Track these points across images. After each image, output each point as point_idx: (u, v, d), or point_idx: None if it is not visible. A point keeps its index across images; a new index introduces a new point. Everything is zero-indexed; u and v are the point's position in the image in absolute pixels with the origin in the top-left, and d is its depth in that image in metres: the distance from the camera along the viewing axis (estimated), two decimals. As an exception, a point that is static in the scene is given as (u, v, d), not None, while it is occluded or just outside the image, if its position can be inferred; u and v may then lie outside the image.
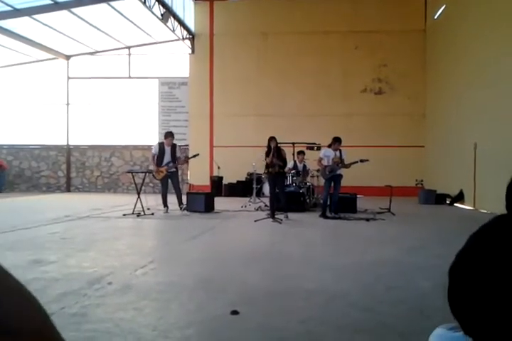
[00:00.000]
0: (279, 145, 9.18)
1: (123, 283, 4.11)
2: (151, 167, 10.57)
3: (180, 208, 9.96)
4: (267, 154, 9.11)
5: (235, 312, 3.26)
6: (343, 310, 3.43)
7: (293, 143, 11.22)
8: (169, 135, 10.20)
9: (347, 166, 9.40)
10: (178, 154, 10.21)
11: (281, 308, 3.47)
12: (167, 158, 10.02)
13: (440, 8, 14.14)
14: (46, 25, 14.36)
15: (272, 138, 9.11)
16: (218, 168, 14.71)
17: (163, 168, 9.98)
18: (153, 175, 10.40)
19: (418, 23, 15.91)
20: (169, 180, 10.15)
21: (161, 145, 10.19)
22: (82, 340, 2.82)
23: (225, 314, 3.24)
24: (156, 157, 10.13)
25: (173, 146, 10.15)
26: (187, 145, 16.03)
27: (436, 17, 14.63)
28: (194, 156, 10.46)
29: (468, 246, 0.63)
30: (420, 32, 15.90)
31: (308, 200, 10.93)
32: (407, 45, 15.83)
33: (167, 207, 10.05)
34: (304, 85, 16.01)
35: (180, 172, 12.24)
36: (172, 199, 10.05)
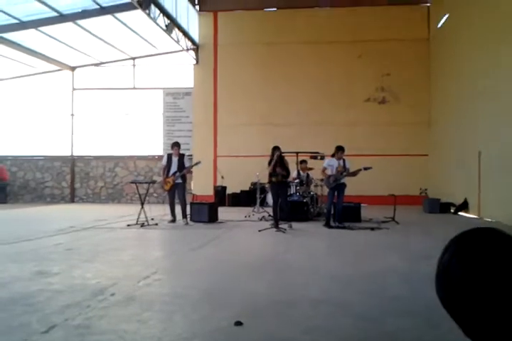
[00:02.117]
0: (282, 154, 9.17)
1: (126, 294, 4.09)
2: (162, 179, 10.48)
3: (184, 221, 9.89)
4: (270, 163, 9.09)
5: (238, 323, 3.24)
6: (348, 320, 3.39)
7: (297, 153, 11.22)
8: (174, 145, 10.24)
9: (355, 174, 9.36)
10: (186, 164, 10.19)
11: (286, 319, 3.44)
12: (174, 168, 10.02)
13: (443, 17, 14.20)
14: (51, 37, 14.53)
15: (275, 148, 9.11)
16: (222, 177, 14.71)
17: (170, 178, 9.98)
18: (161, 187, 10.42)
19: (421, 32, 15.99)
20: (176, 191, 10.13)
21: (169, 155, 10.24)
22: (85, 352, 2.80)
23: (229, 325, 3.22)
24: (165, 168, 10.18)
25: (181, 156, 10.17)
26: (191, 156, 16.05)
27: (439, 26, 14.69)
28: (196, 164, 10.44)
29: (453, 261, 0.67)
30: (424, 41, 15.96)
31: (312, 210, 10.89)
32: (411, 54, 15.89)
33: (174, 217, 10.04)
34: (308, 94, 16.07)
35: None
36: (178, 209, 10.04)
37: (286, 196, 9.63)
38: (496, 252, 0.65)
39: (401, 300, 3.92)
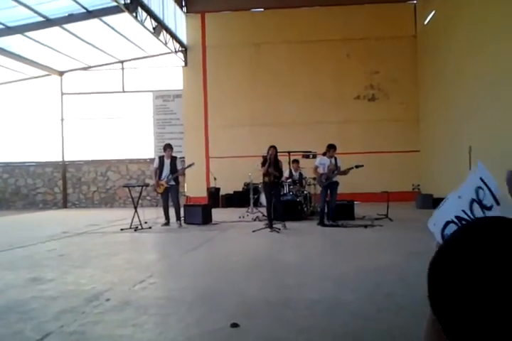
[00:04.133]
0: (277, 154, 9.15)
1: (121, 299, 4.07)
2: (154, 181, 10.42)
3: (178, 224, 9.87)
4: (263, 164, 9.09)
5: (234, 325, 3.24)
6: (344, 318, 3.40)
7: (288, 152, 11.24)
8: (167, 147, 10.18)
9: (345, 172, 9.39)
10: (179, 166, 10.16)
11: (282, 319, 3.44)
12: (166, 170, 9.98)
13: (430, 13, 14.28)
14: (38, 42, 14.44)
15: (270, 147, 9.10)
16: (215, 179, 14.70)
17: (163, 180, 9.94)
18: (154, 190, 10.38)
19: (409, 29, 16.07)
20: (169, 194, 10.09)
21: (160, 158, 10.18)
22: (81, 359, 2.79)
23: (225, 327, 3.22)
24: (157, 171, 10.13)
25: (173, 159, 10.12)
26: (183, 158, 16.01)
27: (426, 23, 14.77)
28: (189, 166, 10.42)
29: (447, 252, 0.65)
30: (411, 38, 16.05)
31: (305, 209, 10.91)
32: (399, 52, 15.96)
33: (168, 220, 10.01)
34: (298, 94, 16.09)
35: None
36: (172, 212, 10.01)
37: (280, 196, 9.64)
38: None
39: (396, 297, 3.94)
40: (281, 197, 9.91)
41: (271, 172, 8.93)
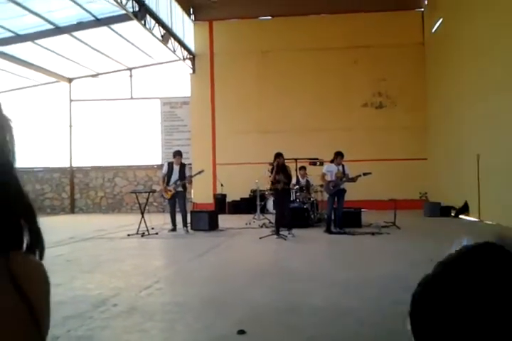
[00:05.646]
0: (284, 162, 9.15)
1: (128, 304, 4.08)
2: (162, 187, 10.44)
3: (185, 230, 9.87)
4: (272, 171, 9.08)
5: (241, 332, 3.23)
6: (351, 326, 3.39)
7: (295, 159, 11.25)
8: (177, 154, 10.24)
9: (353, 180, 9.37)
10: (187, 173, 10.19)
11: (289, 326, 3.43)
12: (175, 177, 10.01)
13: (437, 21, 14.29)
14: (48, 49, 14.59)
15: (278, 155, 9.10)
16: (221, 185, 14.72)
17: (171, 186, 9.98)
18: (162, 195, 10.42)
19: (416, 37, 16.08)
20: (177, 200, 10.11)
21: (170, 164, 10.23)
22: (88, 364, 2.80)
23: (232, 333, 3.21)
24: (165, 176, 10.18)
25: (182, 165, 10.17)
26: (190, 164, 16.04)
27: (434, 30, 14.78)
28: (199, 173, 10.42)
29: (435, 278, 0.59)
30: (419, 45, 16.05)
31: (312, 216, 10.88)
32: (406, 59, 15.95)
33: (175, 226, 10.02)
34: (305, 101, 16.10)
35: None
36: (179, 218, 10.02)
37: (289, 203, 9.64)
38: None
39: (402, 305, 3.90)
40: (289, 204, 9.90)
41: (279, 179, 8.93)
